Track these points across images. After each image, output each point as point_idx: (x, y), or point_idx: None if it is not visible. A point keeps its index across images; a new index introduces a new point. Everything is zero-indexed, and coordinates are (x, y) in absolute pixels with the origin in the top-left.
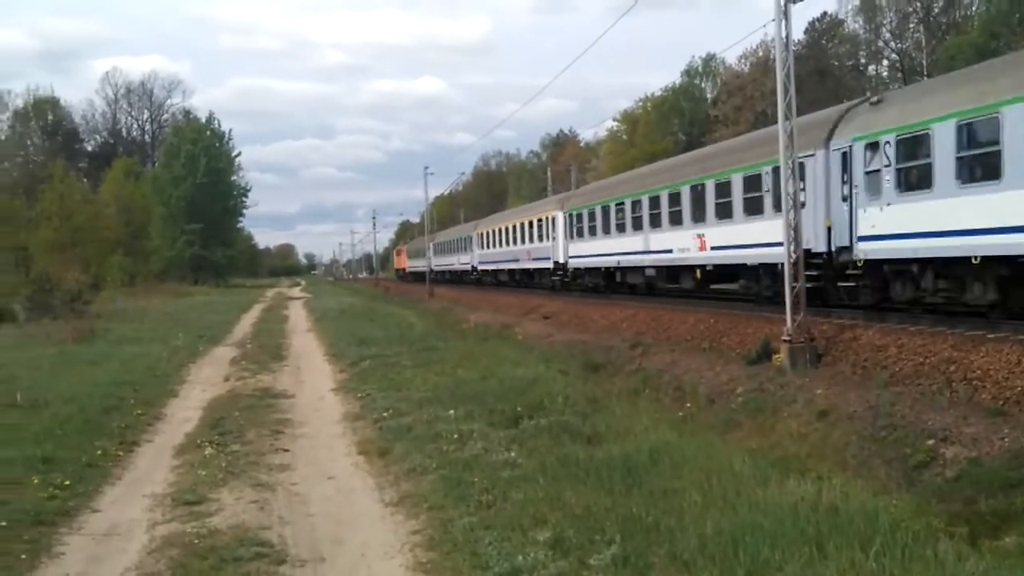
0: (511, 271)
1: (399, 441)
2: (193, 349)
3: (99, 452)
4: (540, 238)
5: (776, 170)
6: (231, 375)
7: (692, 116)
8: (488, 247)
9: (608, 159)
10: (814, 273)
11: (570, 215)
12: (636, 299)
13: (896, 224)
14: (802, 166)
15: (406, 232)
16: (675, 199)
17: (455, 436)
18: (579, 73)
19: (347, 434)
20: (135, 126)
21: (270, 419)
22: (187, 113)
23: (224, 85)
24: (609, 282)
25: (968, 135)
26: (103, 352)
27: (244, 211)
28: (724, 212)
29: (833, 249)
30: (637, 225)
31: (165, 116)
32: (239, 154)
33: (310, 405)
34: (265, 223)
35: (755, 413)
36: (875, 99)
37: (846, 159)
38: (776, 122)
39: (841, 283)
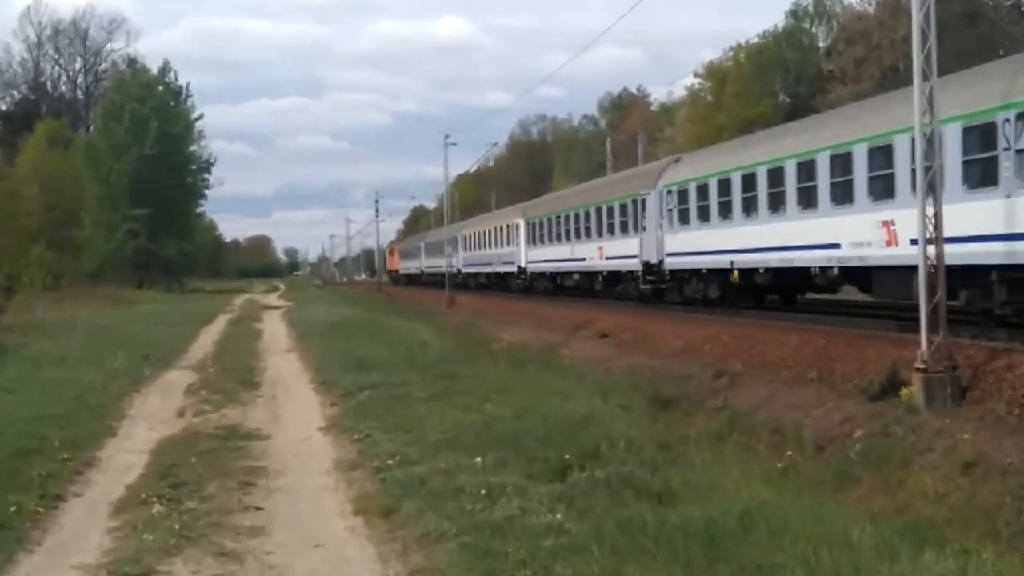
0: (488, 275)
1: (408, 497)
2: (137, 374)
3: (12, 509)
4: (508, 243)
5: (640, 201)
6: (187, 408)
7: (799, 71)
8: (471, 249)
9: (687, 127)
10: (652, 278)
11: (529, 223)
12: (720, 315)
13: (677, 246)
14: (644, 201)
15: (419, 221)
16: (587, 217)
17: (482, 491)
18: (649, 14)
19: (340, 487)
20: (64, 78)
21: (238, 467)
22: (132, 62)
23: (181, 25)
24: (553, 285)
25: (702, 191)
26: (18, 376)
27: (206, 192)
28: (611, 231)
29: (658, 261)
30: (568, 236)
31: (104, 66)
32: (200, 117)
33: (291, 449)
34: (234, 208)
35: (878, 465)
36: (676, 158)
37: (662, 198)
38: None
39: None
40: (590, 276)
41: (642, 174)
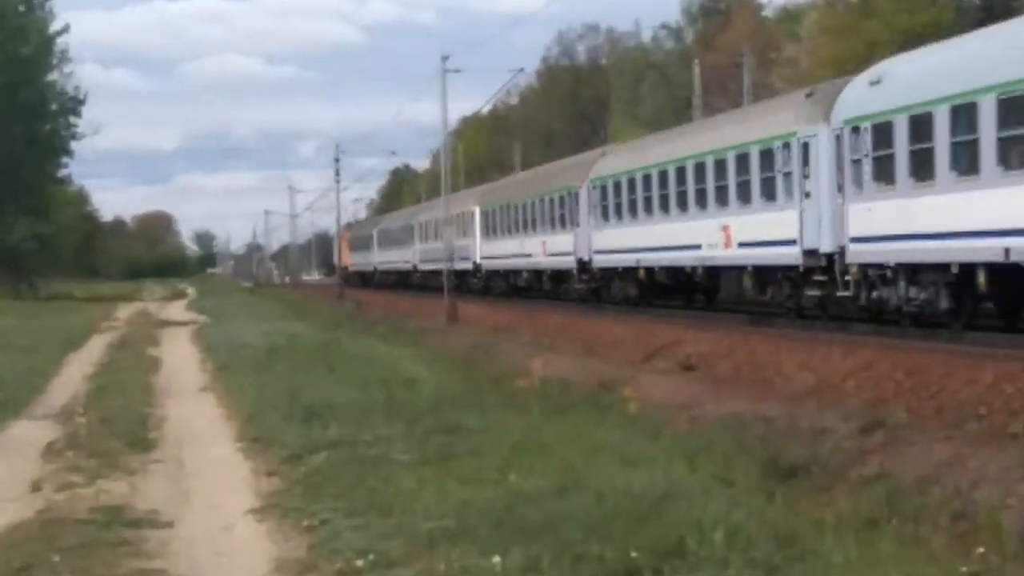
0: (434, 273)
1: None
2: None
3: None
4: (464, 234)
5: (573, 195)
6: (46, 480)
7: None
8: (427, 241)
9: (819, 43)
10: (586, 277)
11: (485, 212)
12: (871, 336)
13: (601, 243)
14: (577, 195)
15: (402, 190)
16: (533, 208)
17: None
18: None
19: None
20: None
21: (123, 572)
22: None
23: None
24: (507, 285)
25: (616, 188)
26: None
27: (72, 146)
28: (552, 224)
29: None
30: (518, 229)
31: None
32: (65, 30)
33: (206, 543)
34: (116, 171)
35: None
36: (601, 151)
37: (589, 193)
38: None
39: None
40: (538, 274)
41: (577, 164)
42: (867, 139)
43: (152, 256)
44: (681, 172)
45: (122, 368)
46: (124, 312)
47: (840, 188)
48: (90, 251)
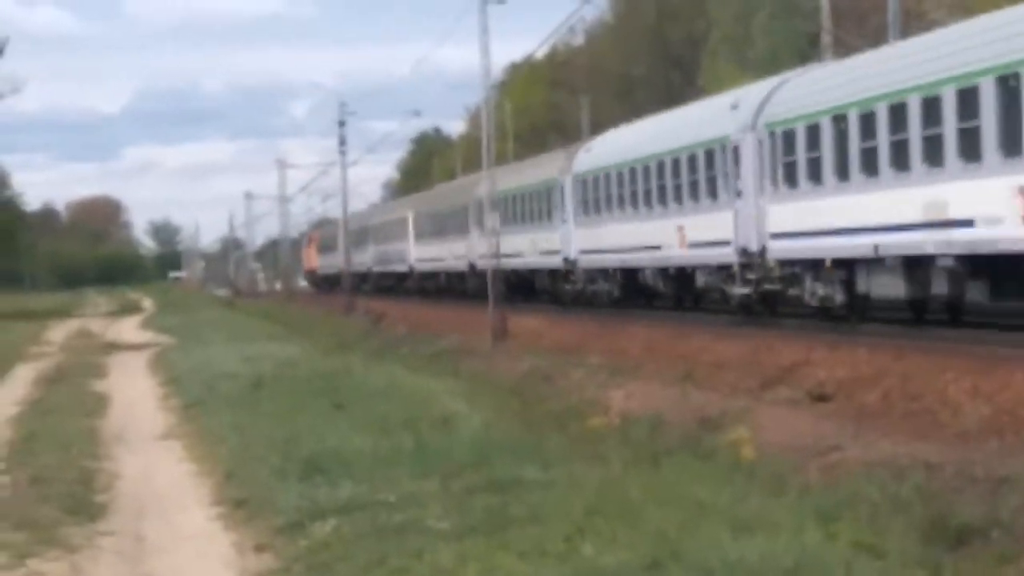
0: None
1: None
2: None
3: None
4: (399, 238)
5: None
6: None
7: None
8: (381, 244)
9: None
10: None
11: (417, 215)
12: None
13: (583, 242)
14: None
15: (430, 162)
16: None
17: None
18: None
19: None
20: None
21: None
22: None
23: None
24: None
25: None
26: None
27: None
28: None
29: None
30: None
31: None
32: None
33: None
34: (43, 142)
35: None
36: (587, 147)
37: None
38: None
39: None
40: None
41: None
42: (779, 144)
43: (94, 257)
44: (647, 171)
45: (57, 409)
46: (58, 333)
47: (762, 190)
48: (10, 251)
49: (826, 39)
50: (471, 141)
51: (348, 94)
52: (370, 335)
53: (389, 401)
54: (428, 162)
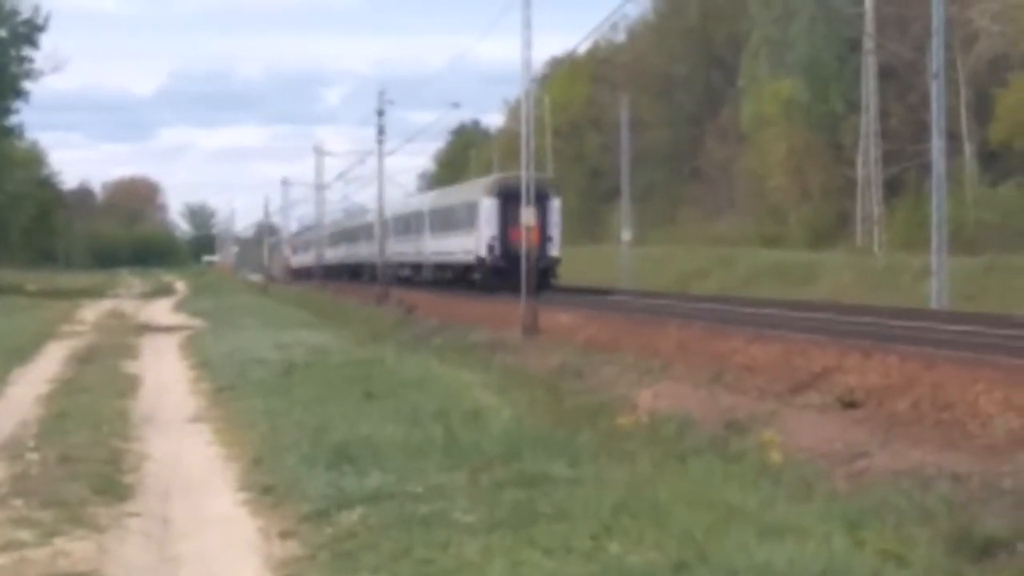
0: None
1: None
2: None
3: None
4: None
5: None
6: None
7: None
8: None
9: None
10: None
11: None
12: None
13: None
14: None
15: (467, 155)
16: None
17: None
18: None
19: None
20: None
21: None
22: None
23: None
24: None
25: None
26: None
27: (25, 87)
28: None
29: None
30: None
31: None
32: None
33: None
34: (80, 121)
35: None
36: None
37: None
38: None
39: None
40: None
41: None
42: (390, 223)
43: (129, 238)
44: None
45: (88, 388)
46: (91, 312)
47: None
48: (47, 229)
49: (868, 44)
50: (510, 135)
51: (383, 83)
52: (402, 326)
53: (420, 392)
54: (465, 154)
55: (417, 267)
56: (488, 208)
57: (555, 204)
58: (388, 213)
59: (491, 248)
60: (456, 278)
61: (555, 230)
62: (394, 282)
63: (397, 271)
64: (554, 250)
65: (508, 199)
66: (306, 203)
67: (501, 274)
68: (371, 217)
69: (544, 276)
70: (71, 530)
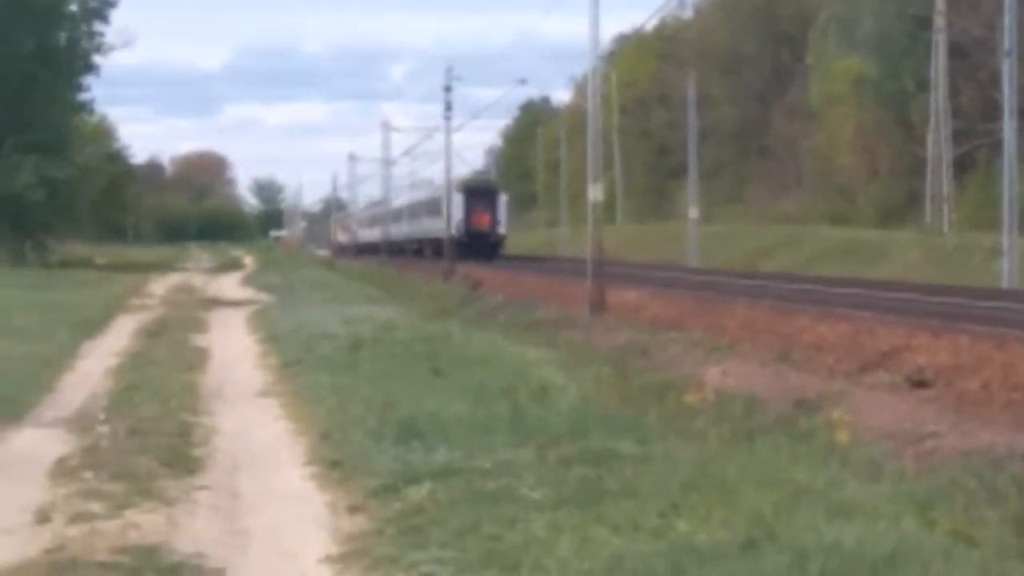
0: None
1: None
2: None
3: None
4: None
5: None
6: (55, 508)
7: None
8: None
9: None
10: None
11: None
12: None
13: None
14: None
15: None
16: None
17: None
18: None
19: None
20: None
21: None
22: None
23: None
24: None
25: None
26: None
27: (95, 63)
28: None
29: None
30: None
31: None
32: None
33: None
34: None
35: None
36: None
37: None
38: None
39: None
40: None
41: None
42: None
43: (198, 212)
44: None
45: (157, 362)
46: (160, 286)
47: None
48: (116, 203)
49: (938, 22)
50: (576, 111)
51: (448, 59)
52: (467, 302)
53: (487, 368)
54: (533, 130)
55: (418, 242)
56: (457, 201)
57: (503, 198)
58: (401, 203)
59: (459, 228)
60: (435, 251)
61: (502, 216)
62: (401, 254)
63: (404, 245)
64: (501, 230)
65: (471, 194)
66: (373, 179)
67: (465, 247)
68: (409, 197)
69: (495, 248)
70: (141, 502)
